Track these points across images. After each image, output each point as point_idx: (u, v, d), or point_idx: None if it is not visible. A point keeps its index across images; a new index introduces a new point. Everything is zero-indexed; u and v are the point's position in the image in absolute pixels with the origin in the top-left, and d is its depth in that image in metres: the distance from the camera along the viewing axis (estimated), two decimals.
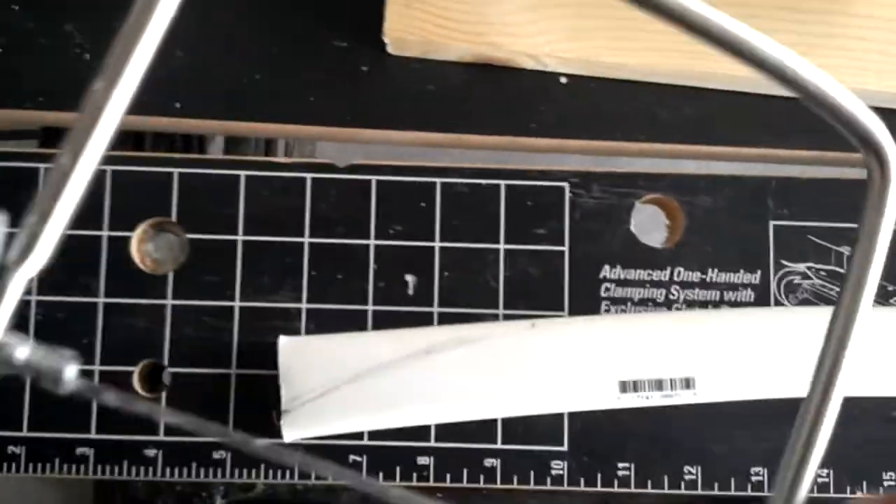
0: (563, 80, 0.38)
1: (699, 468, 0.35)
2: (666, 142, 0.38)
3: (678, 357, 0.34)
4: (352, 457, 0.35)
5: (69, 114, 0.36)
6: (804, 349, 0.31)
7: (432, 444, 0.36)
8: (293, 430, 0.34)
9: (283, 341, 0.35)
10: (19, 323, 0.34)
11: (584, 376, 0.34)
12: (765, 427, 0.35)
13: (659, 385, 0.34)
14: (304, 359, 0.35)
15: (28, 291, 0.35)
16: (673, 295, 0.37)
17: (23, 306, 0.35)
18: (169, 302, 0.36)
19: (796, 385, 0.34)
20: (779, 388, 0.35)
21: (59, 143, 0.17)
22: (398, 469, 0.35)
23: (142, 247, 0.37)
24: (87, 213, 0.36)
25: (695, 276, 0.37)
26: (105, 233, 0.36)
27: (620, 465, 0.35)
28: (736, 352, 0.35)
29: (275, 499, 0.43)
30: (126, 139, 0.42)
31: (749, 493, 0.35)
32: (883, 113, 0.19)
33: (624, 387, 0.34)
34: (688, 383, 0.34)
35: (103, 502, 0.44)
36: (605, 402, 0.34)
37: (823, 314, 0.20)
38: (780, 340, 0.35)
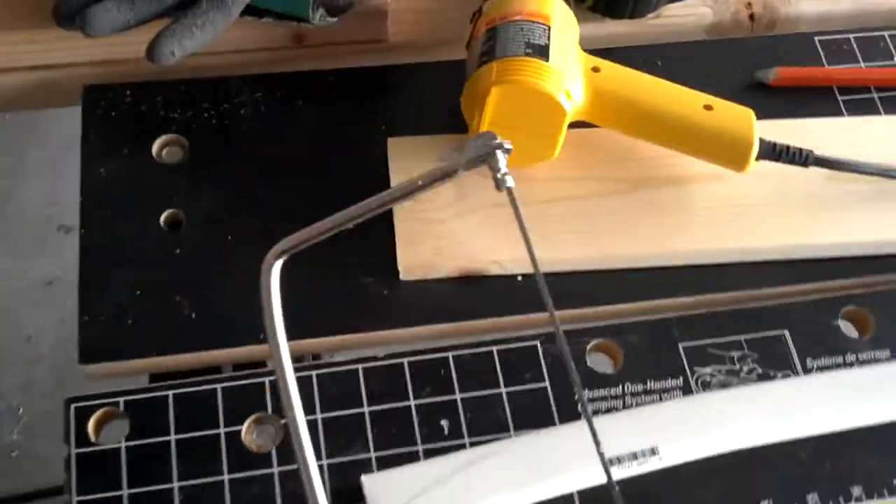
0: (520, 278, 0.56)
1: None
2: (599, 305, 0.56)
3: (645, 435, 0.49)
4: None
5: None
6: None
7: None
8: None
9: (366, 478, 0.48)
10: None
11: (581, 461, 0.48)
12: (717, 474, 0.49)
13: (634, 456, 0.48)
14: (383, 487, 0.48)
15: None
16: (627, 401, 0.52)
17: (167, 493, 0.48)
18: (276, 470, 0.49)
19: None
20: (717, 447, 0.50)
21: None
22: None
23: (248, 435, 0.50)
24: (207, 420, 0.50)
25: (638, 387, 0.53)
26: (221, 430, 0.50)
27: None
28: (686, 425, 0.50)
29: None
30: None
31: None
32: None
33: (610, 462, 0.48)
34: (653, 451, 0.49)
35: None
36: (600, 478, 0.48)
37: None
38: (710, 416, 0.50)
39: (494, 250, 0.56)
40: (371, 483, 0.48)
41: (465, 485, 0.48)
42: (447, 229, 0.56)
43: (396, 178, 0.58)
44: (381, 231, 0.56)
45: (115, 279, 0.55)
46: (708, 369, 0.54)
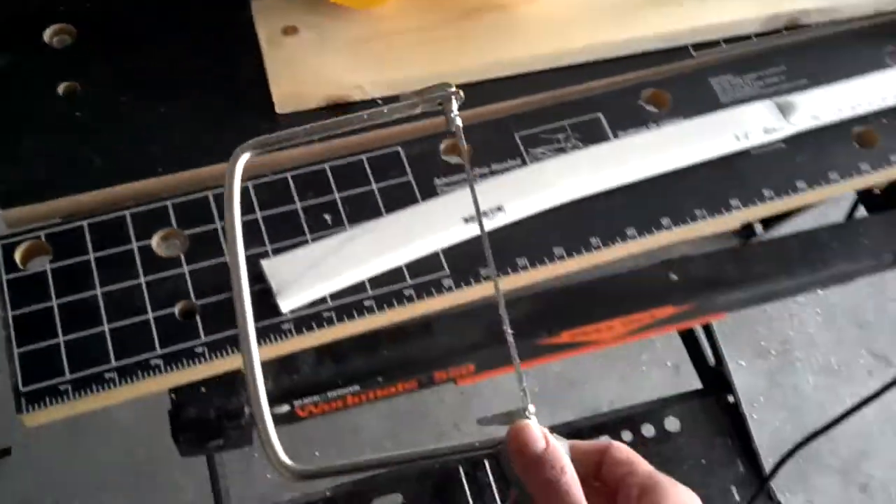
0: (380, 101, 0.66)
1: (525, 258, 0.59)
2: None
3: (492, 197, 0.59)
4: (325, 314, 0.56)
5: None
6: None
7: (370, 292, 0.57)
8: (286, 302, 0.56)
9: (264, 261, 0.57)
10: None
11: (443, 223, 0.59)
12: (556, 222, 0.60)
13: (485, 213, 0.59)
14: (280, 265, 0.57)
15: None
16: (476, 180, 0.62)
17: (92, 298, 0.56)
18: (186, 269, 0.58)
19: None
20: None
21: None
22: (354, 312, 0.56)
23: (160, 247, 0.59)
24: (119, 239, 0.58)
25: (485, 169, 0.63)
26: (134, 245, 0.58)
27: (482, 270, 0.58)
28: (523, 187, 0.60)
29: None
30: None
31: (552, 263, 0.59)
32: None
33: (466, 220, 0.59)
34: (500, 208, 0.59)
35: None
36: (460, 234, 0.58)
37: None
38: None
39: (357, 77, 0.65)
40: (270, 265, 0.57)
41: (349, 253, 0.58)
42: (313, 64, 0.65)
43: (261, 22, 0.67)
44: (255, 74, 0.65)
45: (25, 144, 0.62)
46: (540, 149, 0.64)
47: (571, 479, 0.37)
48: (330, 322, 0.56)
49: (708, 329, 0.94)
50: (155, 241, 0.59)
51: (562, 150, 0.64)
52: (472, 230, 0.59)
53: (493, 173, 0.63)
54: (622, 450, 0.39)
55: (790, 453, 0.64)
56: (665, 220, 0.61)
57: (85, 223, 0.59)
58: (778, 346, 1.50)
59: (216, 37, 0.68)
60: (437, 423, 1.35)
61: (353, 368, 0.58)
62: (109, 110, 0.64)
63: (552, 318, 0.60)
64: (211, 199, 0.61)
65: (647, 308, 0.62)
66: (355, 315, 0.57)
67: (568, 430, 0.87)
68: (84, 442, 1.31)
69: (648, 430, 0.87)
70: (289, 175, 0.62)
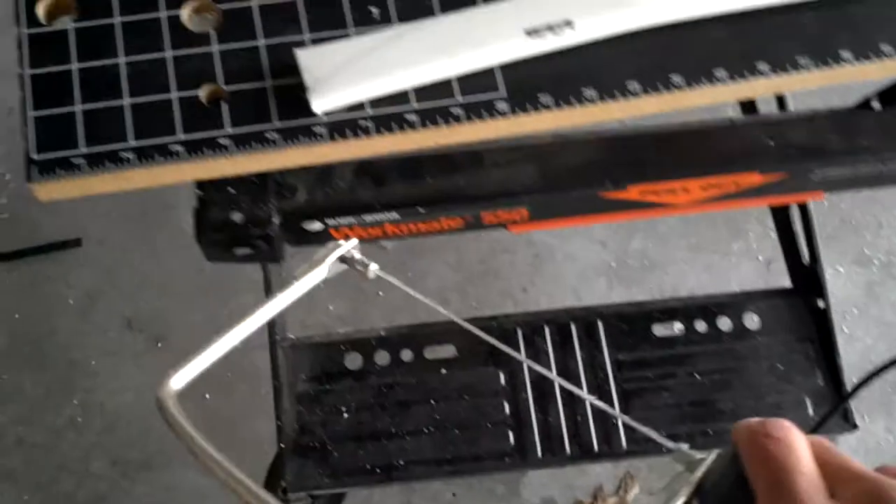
0: None
1: (593, 88, 0.52)
2: None
3: (558, 7, 0.52)
4: (361, 122, 0.51)
5: None
6: None
7: (414, 105, 0.52)
8: (319, 102, 0.50)
9: (299, 51, 0.51)
10: None
11: (501, 34, 0.51)
12: (634, 51, 0.53)
13: (550, 28, 0.51)
14: (317, 58, 0.51)
15: None
16: None
17: (114, 67, 0.51)
18: (216, 48, 0.52)
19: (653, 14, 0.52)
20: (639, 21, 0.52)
21: None
22: (394, 125, 0.51)
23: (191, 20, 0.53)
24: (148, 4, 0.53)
25: None
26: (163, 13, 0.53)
27: (541, 96, 0.52)
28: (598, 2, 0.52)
29: None
30: None
31: (625, 100, 0.52)
32: None
33: (528, 33, 0.51)
34: (568, 23, 0.52)
35: None
36: (520, 49, 0.51)
37: None
38: None
39: None
40: (306, 57, 0.51)
41: (394, 53, 0.51)
42: None
43: None
44: None
45: None
46: None
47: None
48: (367, 132, 0.51)
49: (807, 223, 0.83)
50: (185, 13, 0.53)
51: None
52: (535, 46, 0.52)
53: None
54: None
55: (876, 372, 0.58)
56: (762, 65, 0.53)
57: None
58: (883, 257, 1.35)
59: None
60: (508, 285, 1.31)
61: (392, 193, 0.53)
62: None
63: (618, 167, 0.54)
64: None
65: (730, 171, 0.55)
66: (395, 128, 0.51)
67: (636, 311, 0.81)
68: (156, 245, 1.32)
69: (725, 324, 0.80)
70: None
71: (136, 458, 1.24)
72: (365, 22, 0.53)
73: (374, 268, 0.43)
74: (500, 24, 0.51)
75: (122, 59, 0.52)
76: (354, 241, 0.44)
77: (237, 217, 0.54)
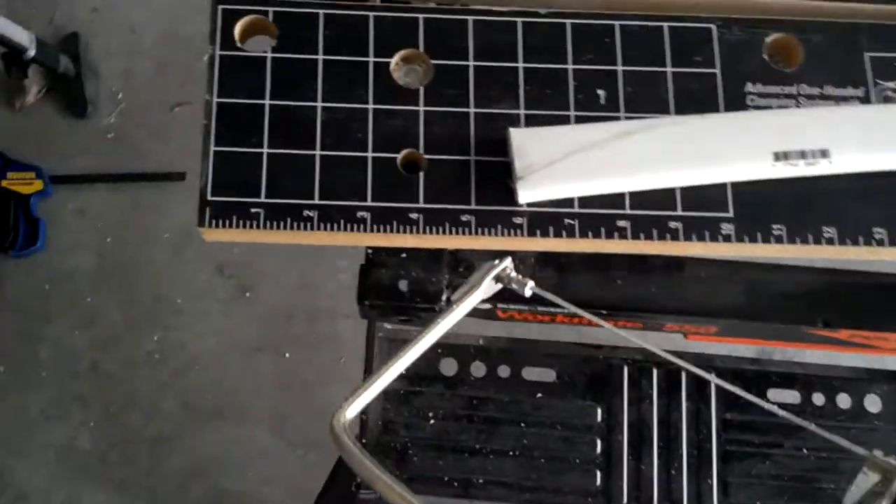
0: None
1: (835, 229, 0.46)
2: None
3: (816, 134, 0.45)
4: (566, 221, 0.46)
5: None
6: None
7: (627, 211, 0.46)
8: (527, 193, 0.45)
9: (514, 130, 0.46)
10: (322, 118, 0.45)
11: (745, 151, 0.45)
12: (887, 193, 0.46)
13: (802, 154, 0.45)
14: (531, 142, 0.46)
15: (321, 99, 0.47)
16: (801, 104, 0.48)
17: (310, 110, 0.47)
18: (421, 108, 0.47)
19: None
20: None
21: None
22: (602, 230, 0.46)
23: (398, 69, 0.48)
24: (356, 46, 0.47)
25: (815, 91, 0.48)
26: (370, 59, 0.48)
27: (774, 226, 0.46)
28: (861, 133, 0.46)
29: None
30: None
31: (868, 248, 0.46)
32: None
33: (776, 157, 0.45)
34: (824, 153, 0.45)
35: None
36: (762, 172, 0.45)
37: None
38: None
39: None
40: (519, 136, 0.46)
41: (619, 152, 0.46)
42: None
43: None
44: None
45: None
46: (893, 84, 0.49)
47: None
48: (571, 233, 0.46)
49: None
50: (394, 62, 0.48)
51: None
52: (782, 171, 0.46)
53: (823, 98, 0.48)
54: None
55: None
56: None
57: (321, 12, 0.48)
58: None
59: None
60: None
61: (576, 289, 0.48)
62: None
63: (833, 306, 0.48)
64: (470, 24, 0.49)
65: None
66: (603, 234, 0.46)
67: (754, 371, 0.76)
68: None
69: (844, 401, 0.75)
70: (567, 22, 0.49)
71: (208, 406, 1.24)
72: (589, 106, 0.47)
73: (530, 285, 0.45)
74: (746, 140, 0.45)
75: (319, 104, 0.47)
76: (508, 260, 0.46)
77: (404, 286, 0.49)
